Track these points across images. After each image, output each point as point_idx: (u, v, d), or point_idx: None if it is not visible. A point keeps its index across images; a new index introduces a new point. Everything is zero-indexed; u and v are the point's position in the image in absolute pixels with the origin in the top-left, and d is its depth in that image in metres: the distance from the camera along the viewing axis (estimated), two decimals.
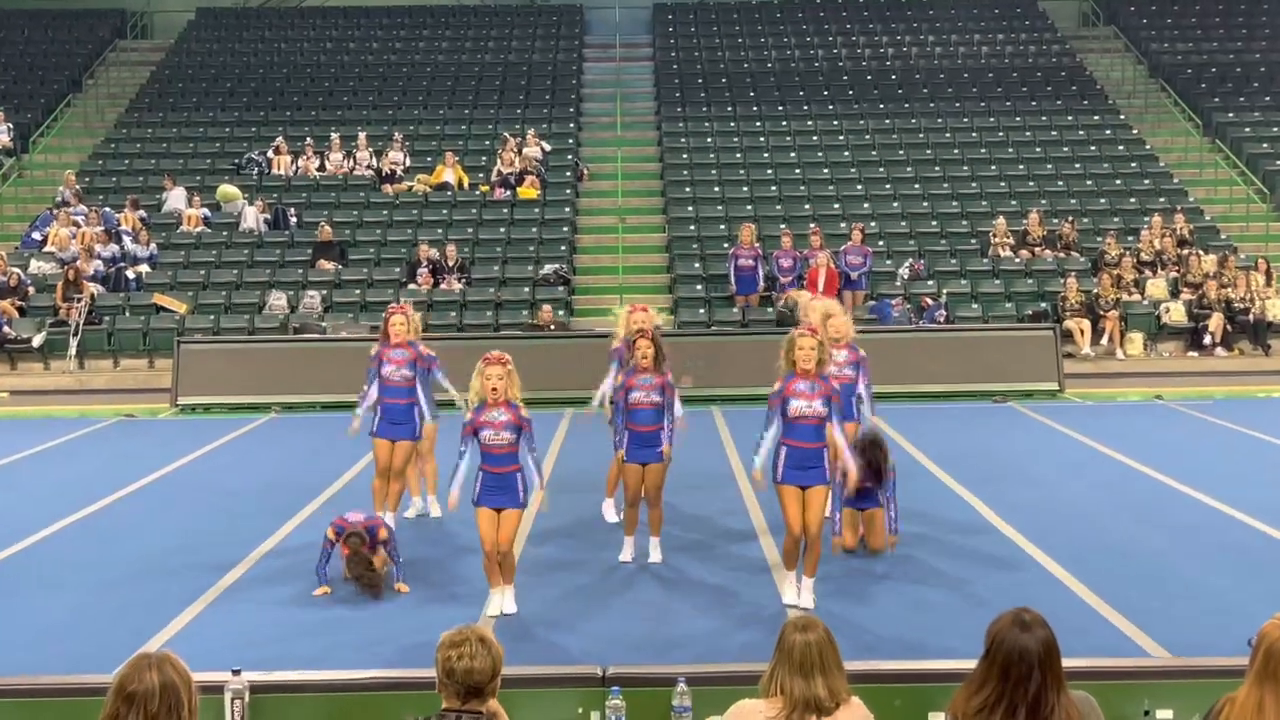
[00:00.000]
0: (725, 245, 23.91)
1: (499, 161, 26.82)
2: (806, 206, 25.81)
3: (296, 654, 7.87)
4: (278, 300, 22.74)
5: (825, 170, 27.36)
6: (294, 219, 25.48)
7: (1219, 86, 30.42)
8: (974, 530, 10.83)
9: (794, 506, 8.67)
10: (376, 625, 8.57)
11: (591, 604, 9.02)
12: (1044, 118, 29.17)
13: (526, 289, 23.26)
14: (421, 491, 11.74)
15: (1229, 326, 22.18)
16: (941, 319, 21.77)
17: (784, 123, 29.06)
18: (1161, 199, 25.95)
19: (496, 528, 8.63)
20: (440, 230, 24.94)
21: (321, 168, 27.19)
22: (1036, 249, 24.13)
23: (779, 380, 8.78)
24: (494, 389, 8.62)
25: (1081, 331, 21.78)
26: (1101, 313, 22.05)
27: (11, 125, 28.80)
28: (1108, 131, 28.78)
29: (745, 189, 26.67)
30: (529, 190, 26.15)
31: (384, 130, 28.31)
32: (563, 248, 24.79)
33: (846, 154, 27.98)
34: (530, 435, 8.73)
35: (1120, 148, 28.16)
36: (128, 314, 22.59)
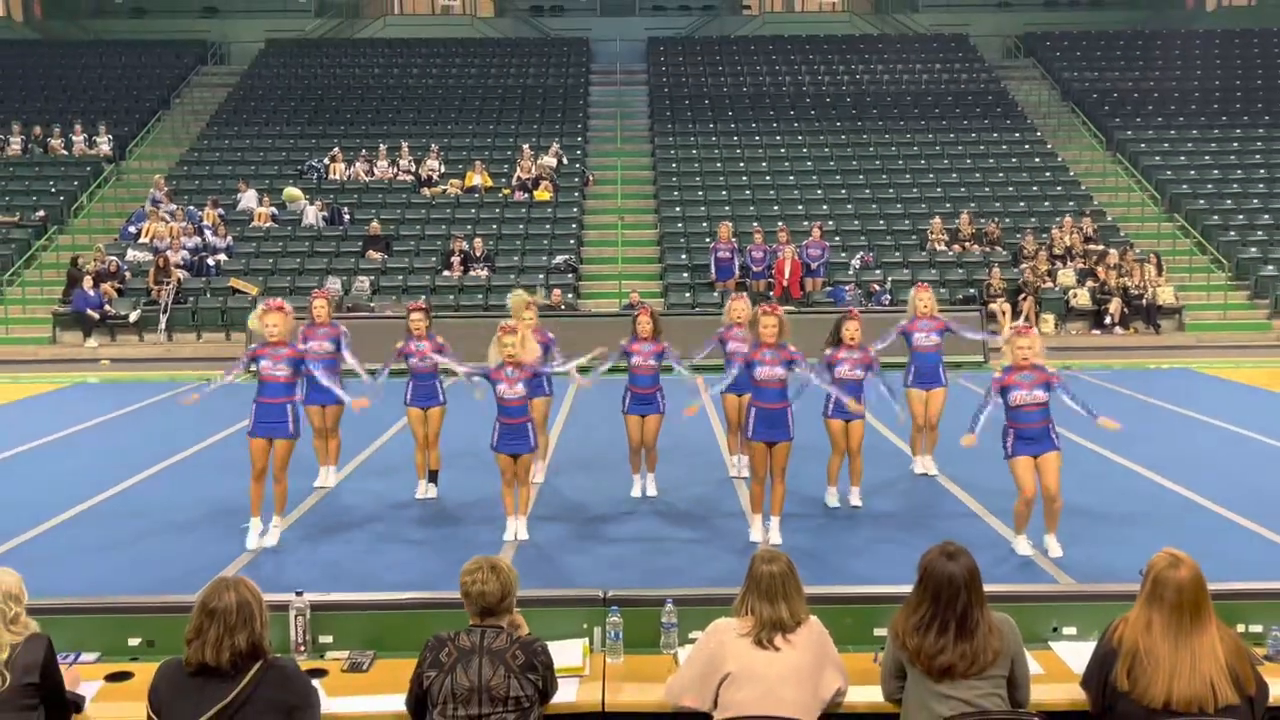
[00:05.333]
0: (707, 240, 23.86)
1: (518, 169, 26.69)
2: (775, 208, 25.73)
3: (349, 577, 7.92)
4: (334, 284, 22.63)
5: (791, 178, 27.26)
6: (347, 216, 25.38)
7: (1120, 109, 30.31)
8: (915, 481, 10.86)
9: (761, 460, 8.71)
10: (415, 556, 8.59)
11: (597, 537, 9.04)
12: (973, 135, 29.07)
13: (541, 276, 23.20)
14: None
15: (1126, 309, 22.19)
16: (886, 302, 21.75)
17: (757, 138, 28.92)
18: (1071, 203, 25.89)
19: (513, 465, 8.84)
20: (470, 226, 24.85)
21: (370, 173, 27.07)
22: (966, 244, 24.08)
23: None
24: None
25: (1003, 313, 21.70)
26: (1020, 298, 22.02)
27: (112, 137, 28.66)
28: (1026, 146, 28.69)
29: (724, 193, 26.57)
30: (543, 193, 26.04)
31: (423, 142, 28.15)
32: (571, 241, 24.72)
33: (809, 164, 27.87)
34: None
35: (1037, 160, 28.08)
36: (208, 295, 22.54)
